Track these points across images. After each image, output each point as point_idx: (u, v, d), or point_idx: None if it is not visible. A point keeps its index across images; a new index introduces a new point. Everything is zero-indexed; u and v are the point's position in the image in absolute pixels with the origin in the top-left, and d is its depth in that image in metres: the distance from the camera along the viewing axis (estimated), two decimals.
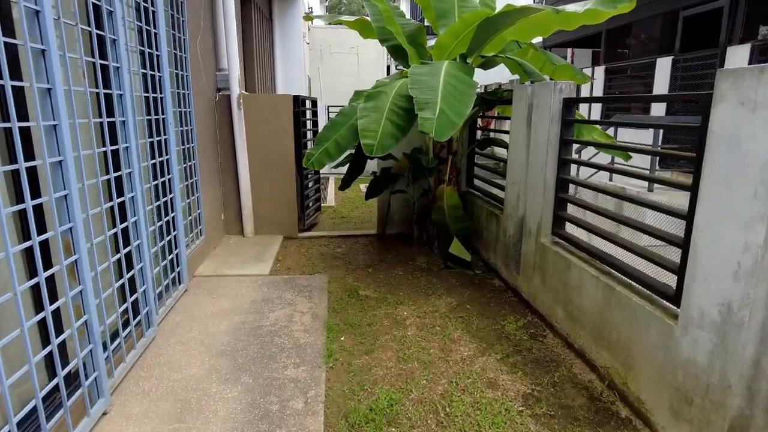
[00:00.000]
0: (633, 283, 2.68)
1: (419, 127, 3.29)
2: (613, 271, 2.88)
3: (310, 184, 6.35)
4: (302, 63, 10.86)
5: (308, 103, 6.40)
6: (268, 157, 5.63)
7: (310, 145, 6.45)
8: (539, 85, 3.61)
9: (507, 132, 4.96)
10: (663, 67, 7.26)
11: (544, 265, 3.59)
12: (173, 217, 3.88)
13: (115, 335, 2.84)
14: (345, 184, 4.86)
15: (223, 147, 5.53)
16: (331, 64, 15.08)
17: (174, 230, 3.90)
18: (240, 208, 5.68)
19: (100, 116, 2.67)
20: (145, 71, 3.40)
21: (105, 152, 2.71)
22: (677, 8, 7.29)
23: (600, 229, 3.06)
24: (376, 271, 4.72)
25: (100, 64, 2.67)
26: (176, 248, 3.96)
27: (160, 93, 3.64)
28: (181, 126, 4.35)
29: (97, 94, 2.64)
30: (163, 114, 3.69)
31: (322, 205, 7.46)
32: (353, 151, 4.70)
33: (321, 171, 7.34)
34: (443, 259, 5.01)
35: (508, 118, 5.21)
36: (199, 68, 4.82)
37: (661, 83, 7.30)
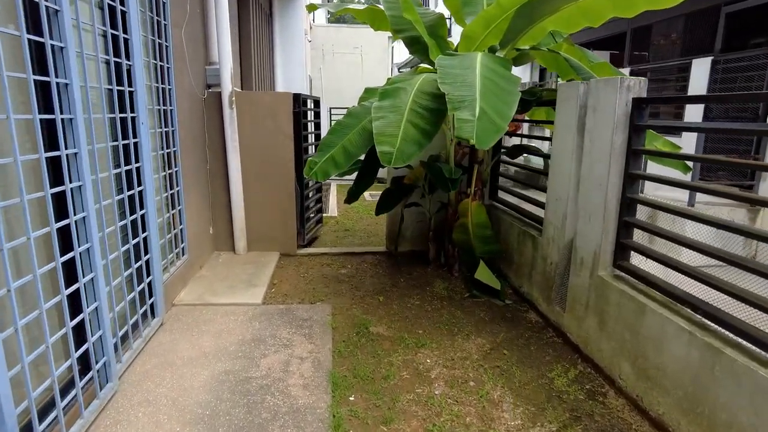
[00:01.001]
0: (753, 346, 1.98)
1: (456, 131, 2.60)
2: (715, 325, 2.18)
3: (311, 194, 5.65)
4: (303, 62, 10.17)
5: (310, 103, 5.70)
6: (263, 163, 4.94)
7: (312, 150, 5.75)
8: (599, 82, 2.92)
9: (541, 138, 4.27)
10: (701, 68, 6.60)
11: (602, 304, 2.90)
12: (146, 238, 3.18)
13: (62, 400, 2.13)
14: (352, 196, 4.16)
15: (212, 151, 4.83)
16: (333, 64, 14.42)
17: (147, 254, 3.20)
18: (231, 221, 4.98)
19: (40, 111, 1.96)
20: (107, 58, 2.70)
21: (42, 160, 2.00)
22: (718, 4, 6.64)
23: (687, 267, 2.36)
24: (388, 299, 4.02)
25: (32, 41, 1.98)
26: (149, 275, 3.25)
27: (130, 86, 2.94)
28: (160, 127, 3.65)
29: (37, 81, 1.94)
30: (132, 112, 2.99)
31: (323, 215, 6.76)
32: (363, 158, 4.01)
33: None
34: (466, 286, 4.32)
35: (545, 122, 4.52)
36: (185, 60, 4.13)
37: (698, 85, 6.64)
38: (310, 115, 5.68)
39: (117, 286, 2.76)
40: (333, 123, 3.66)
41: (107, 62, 2.71)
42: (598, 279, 2.95)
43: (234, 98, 4.65)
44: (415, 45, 4.28)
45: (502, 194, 4.78)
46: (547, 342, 3.37)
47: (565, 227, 3.37)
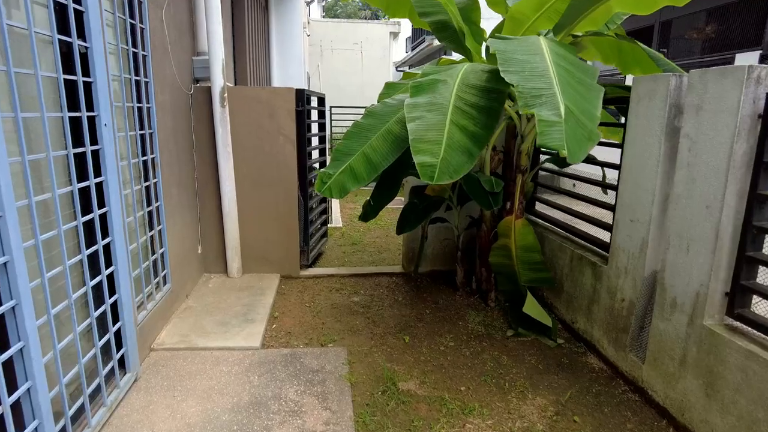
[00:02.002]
0: None
1: (540, 138, 1.88)
2: None
3: (315, 205, 4.92)
4: (302, 58, 9.42)
5: (314, 101, 4.98)
6: (261, 170, 4.21)
7: (316, 154, 5.03)
8: (707, 73, 2.22)
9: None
10: (746, 63, 5.96)
11: (711, 364, 2.20)
12: (111, 275, 2.44)
13: None
14: (371, 211, 3.43)
15: (201, 156, 4.09)
16: (332, 61, 13.70)
17: (113, 294, 2.47)
18: (223, 238, 4.25)
19: None
20: (50, 36, 1.97)
21: None
22: None
23: None
24: (414, 339, 3.30)
25: None
26: (117, 321, 2.52)
27: (86, 75, 2.21)
28: (134, 129, 2.92)
29: None
30: (92, 110, 2.26)
31: (327, 227, 6.02)
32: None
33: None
34: (505, 319, 3.62)
35: (608, 124, 3.82)
36: (166, 48, 3.39)
37: None
38: (314, 115, 4.95)
39: (64, 349, 2.03)
40: (350, 125, 2.94)
41: (49, 41, 1.98)
42: (704, 330, 2.25)
43: (226, 94, 3.92)
44: (444, 31, 3.57)
45: (539, 207, 4.09)
46: (621, 401, 2.67)
47: (644, 256, 2.67)
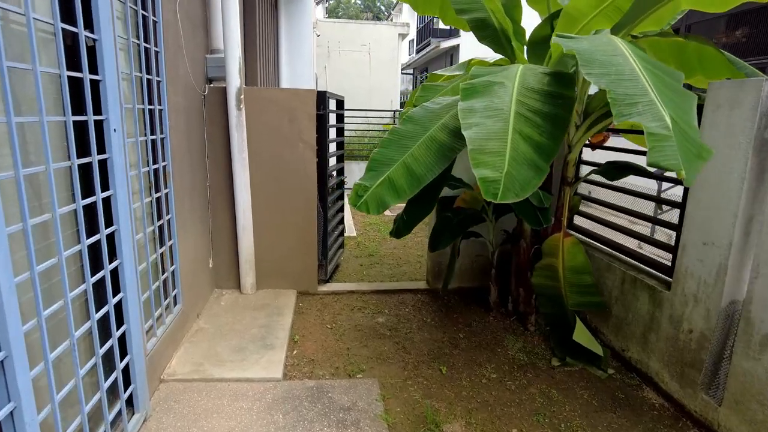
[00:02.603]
0: None
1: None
2: None
3: (333, 214, 4.60)
4: (311, 58, 9.12)
5: (333, 104, 4.67)
6: (279, 179, 3.89)
7: (333, 161, 4.71)
8: None
9: (635, 152, 3.27)
10: None
11: None
12: (120, 303, 2.12)
13: None
14: (404, 227, 3.11)
15: (214, 163, 3.78)
16: (339, 63, 13.39)
17: (122, 325, 2.15)
18: (237, 251, 3.93)
19: None
20: (52, 24, 1.65)
21: None
22: None
23: None
24: (452, 369, 2.98)
25: None
26: (126, 355, 2.20)
27: (93, 72, 1.89)
28: (145, 134, 2.61)
29: None
30: (100, 113, 1.94)
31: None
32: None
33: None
34: (547, 345, 3.30)
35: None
36: (180, 44, 3.08)
37: None
38: (334, 119, 4.64)
39: (65, 399, 1.70)
40: (386, 134, 2.62)
41: (51, 31, 1.67)
42: None
43: (243, 96, 3.60)
44: (483, 29, 3.26)
45: (576, 220, 3.78)
46: None
47: (722, 284, 2.36)
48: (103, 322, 2.03)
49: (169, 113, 2.90)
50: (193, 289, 3.39)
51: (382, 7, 50.82)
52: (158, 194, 2.79)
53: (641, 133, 3.47)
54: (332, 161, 4.70)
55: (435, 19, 22.65)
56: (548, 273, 3.18)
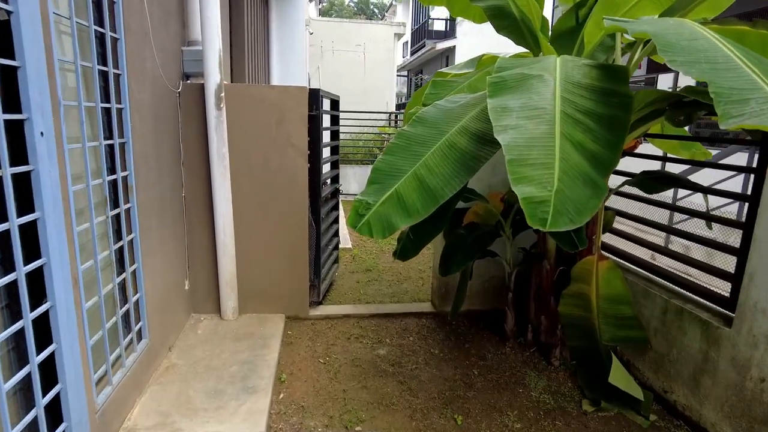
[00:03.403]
0: None
1: None
2: None
3: (327, 227, 4.13)
4: (303, 57, 8.65)
5: (326, 103, 4.20)
6: (265, 189, 3.42)
7: (327, 168, 4.24)
8: None
9: (679, 161, 2.86)
10: None
11: None
12: (51, 357, 1.64)
13: None
14: (411, 247, 2.63)
15: (190, 172, 3.30)
16: (332, 63, 12.94)
17: (57, 383, 1.66)
18: (216, 271, 3.44)
19: None
20: None
21: None
22: None
23: None
24: (469, 417, 2.52)
25: None
26: (61, 422, 1.71)
27: (7, 56, 1.41)
28: (99, 138, 2.13)
29: None
30: (19, 111, 1.46)
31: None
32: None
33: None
34: (575, 383, 2.85)
35: (703, 139, 3.08)
36: (146, 31, 2.60)
37: None
38: (327, 121, 4.17)
39: None
40: (393, 138, 2.15)
41: None
42: None
43: (224, 94, 3.13)
44: (502, 19, 2.82)
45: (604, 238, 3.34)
46: None
47: None
48: (27, 388, 1.54)
49: (131, 113, 2.42)
50: (163, 319, 2.90)
51: (375, 10, 50.51)
52: (116, 211, 2.31)
53: (676, 138, 3.04)
54: (326, 168, 4.24)
55: (430, 20, 22.30)
56: (578, 301, 2.73)
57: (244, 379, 2.71)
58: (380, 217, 1.93)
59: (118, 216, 2.35)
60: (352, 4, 52.16)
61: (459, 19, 17.88)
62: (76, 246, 1.85)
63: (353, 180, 9.45)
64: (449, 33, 20.99)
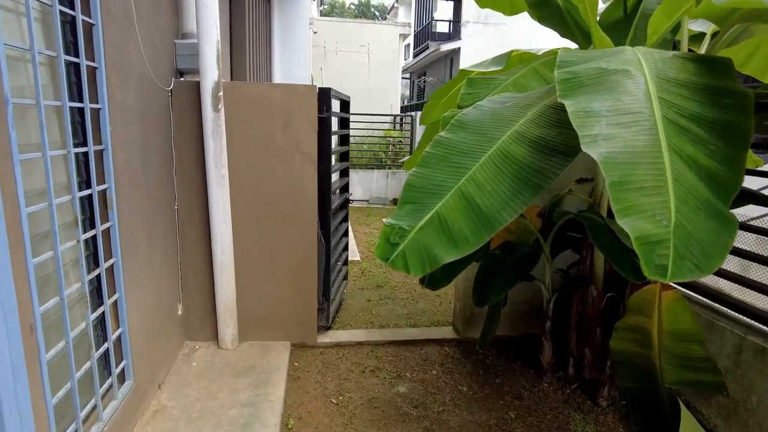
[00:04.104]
0: None
1: None
2: None
3: (336, 242, 3.73)
4: (306, 58, 8.27)
5: (336, 105, 3.81)
6: (269, 202, 3.02)
7: (336, 176, 3.84)
8: None
9: None
10: None
11: None
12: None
13: None
14: (443, 276, 2.24)
15: (184, 182, 2.90)
16: (336, 64, 12.56)
17: None
18: (213, 293, 3.04)
19: None
20: None
21: None
22: None
23: None
24: None
25: None
26: None
27: None
28: (68, 146, 1.73)
29: None
30: None
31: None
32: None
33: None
34: (628, 427, 2.45)
35: None
36: (131, 20, 2.21)
37: None
38: (336, 125, 3.79)
39: None
40: (427, 146, 1.75)
41: None
42: None
43: (222, 93, 2.74)
44: (543, 8, 2.44)
45: None
46: None
47: None
48: None
49: (112, 115, 2.02)
50: (152, 352, 2.50)
51: (377, 13, 50.19)
52: (92, 233, 1.92)
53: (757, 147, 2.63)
54: (335, 176, 3.85)
55: (433, 22, 21.96)
56: (635, 336, 2.33)
57: (245, 427, 2.30)
58: (419, 248, 1.53)
59: (94, 238, 1.95)
60: (353, 7, 51.85)
61: (464, 20, 17.44)
62: (31, 283, 1.45)
63: (358, 185, 9.06)
64: (453, 35, 20.63)
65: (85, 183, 1.93)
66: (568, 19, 2.43)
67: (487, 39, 17.67)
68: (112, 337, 2.07)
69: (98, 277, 1.98)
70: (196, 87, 2.76)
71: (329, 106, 3.09)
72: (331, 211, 3.29)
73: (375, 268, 5.03)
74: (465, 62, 18.31)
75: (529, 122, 1.68)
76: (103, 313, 2.03)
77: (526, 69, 2.30)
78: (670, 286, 2.28)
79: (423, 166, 1.71)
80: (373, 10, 51.28)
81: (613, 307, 2.70)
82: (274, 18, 7.37)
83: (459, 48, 18.49)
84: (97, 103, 1.95)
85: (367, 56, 12.53)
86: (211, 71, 2.69)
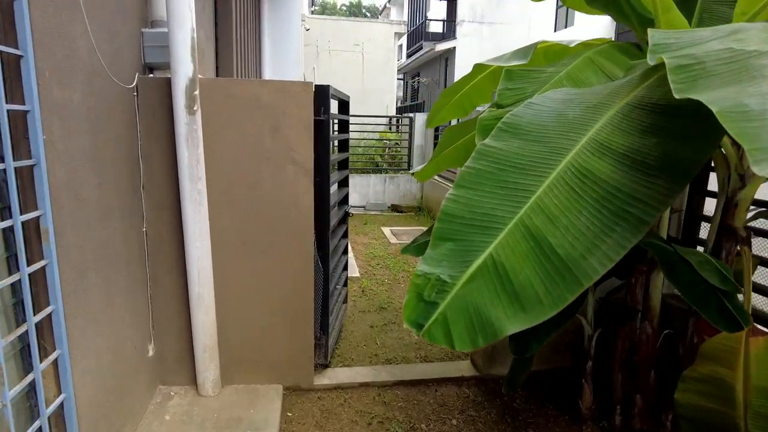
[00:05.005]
0: None
1: None
2: None
3: (336, 263, 3.25)
4: (299, 56, 7.78)
5: (334, 106, 3.34)
6: (256, 221, 2.54)
7: (335, 189, 3.37)
8: None
9: None
10: None
11: None
12: None
13: None
14: (521, 368, 1.77)
15: (153, 199, 2.42)
16: (329, 64, 12.07)
17: None
18: (190, 329, 2.55)
19: None
20: None
21: None
22: None
23: None
24: None
25: None
26: None
27: None
28: None
29: None
30: None
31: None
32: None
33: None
34: None
35: None
36: (77, 1, 1.72)
37: None
38: (335, 127, 3.32)
39: None
40: (469, 159, 1.29)
41: None
42: None
43: (198, 92, 2.25)
44: None
45: None
46: None
47: None
48: None
49: (46, 120, 1.54)
50: (111, 412, 2.01)
51: (368, 14, 49.76)
52: (14, 277, 1.43)
53: None
54: (334, 187, 3.37)
55: (427, 22, 21.58)
56: (711, 389, 1.88)
57: None
58: (467, 310, 1.06)
59: (19, 282, 1.46)
60: (345, 8, 51.41)
61: (459, 19, 17.05)
62: None
63: (354, 190, 8.58)
64: (447, 34, 20.28)
65: (8, 210, 1.45)
66: (622, 1, 1.98)
67: (483, 38, 17.32)
68: (47, 411, 1.58)
69: (26, 333, 1.50)
70: (167, 85, 2.28)
71: (327, 107, 2.61)
72: (330, 229, 2.81)
73: (376, 285, 4.56)
74: (461, 62, 17.90)
75: (611, 128, 1.22)
76: (32, 383, 1.54)
77: (580, 60, 1.84)
78: (761, 331, 1.83)
79: (463, 186, 1.24)
80: (364, 11, 50.86)
81: (671, 346, 2.26)
82: (264, 14, 6.88)
83: (454, 47, 18.12)
84: (24, 104, 1.47)
85: (362, 55, 12.06)
86: (185, 65, 2.21)
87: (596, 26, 12.49)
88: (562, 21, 16.05)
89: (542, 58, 2.68)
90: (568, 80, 1.74)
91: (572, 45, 2.54)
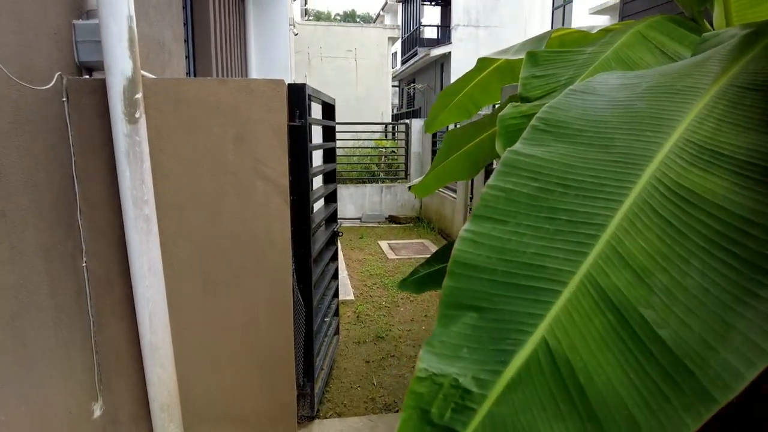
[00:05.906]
0: None
1: None
2: None
3: (322, 294, 2.79)
4: (288, 62, 7.37)
5: (315, 108, 2.91)
6: (219, 251, 2.09)
7: (320, 205, 2.93)
8: None
9: None
10: None
11: None
12: None
13: None
14: None
15: (93, 226, 1.97)
16: (321, 71, 11.68)
17: None
18: (144, 384, 2.09)
19: None
20: None
21: None
22: None
23: None
24: None
25: None
26: None
27: None
28: None
29: None
30: None
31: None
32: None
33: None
34: None
35: None
36: None
37: None
38: (319, 135, 2.88)
39: None
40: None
41: None
42: None
43: (140, 95, 1.81)
44: None
45: None
46: None
47: None
48: None
49: None
50: None
51: (362, 23, 49.74)
52: None
53: None
54: (319, 204, 2.93)
55: (421, 27, 21.30)
56: None
57: None
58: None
59: None
60: (339, 17, 51.39)
61: (454, 24, 16.77)
62: None
63: (349, 201, 8.15)
64: (442, 39, 19.97)
65: None
66: None
67: (479, 42, 16.98)
68: None
69: None
70: (102, 88, 1.84)
71: (304, 111, 2.17)
72: (312, 256, 2.37)
73: (372, 310, 4.10)
74: (457, 66, 17.55)
75: (715, 122, 0.78)
76: None
77: (628, 35, 1.39)
78: None
79: (488, 218, 0.79)
80: (358, 20, 50.81)
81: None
82: (249, 17, 6.48)
83: (449, 52, 17.78)
84: None
85: (355, 61, 11.68)
86: (121, 62, 1.77)
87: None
88: (559, 22, 15.75)
89: (559, 46, 2.26)
90: (616, 61, 1.29)
91: (594, 31, 2.11)
